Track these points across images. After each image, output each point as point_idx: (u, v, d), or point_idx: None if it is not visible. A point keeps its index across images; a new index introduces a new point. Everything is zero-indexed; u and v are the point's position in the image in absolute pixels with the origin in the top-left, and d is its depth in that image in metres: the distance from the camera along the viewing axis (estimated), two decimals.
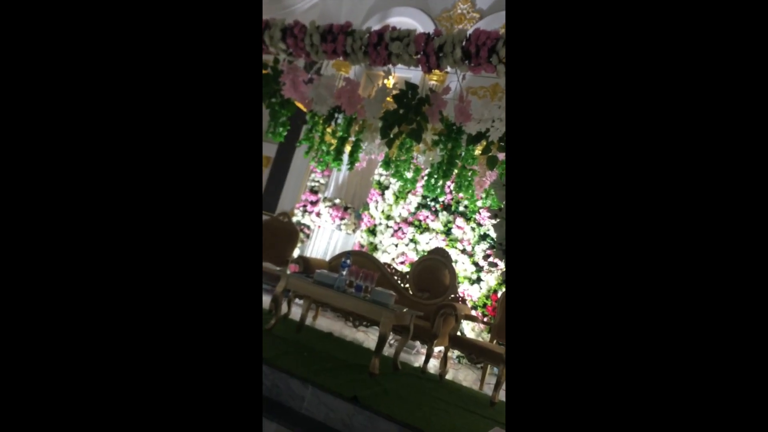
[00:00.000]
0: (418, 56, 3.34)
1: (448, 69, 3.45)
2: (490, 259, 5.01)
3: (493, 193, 3.69)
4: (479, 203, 5.08)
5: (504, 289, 4.81)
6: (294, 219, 5.94)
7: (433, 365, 4.22)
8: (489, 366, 4.00)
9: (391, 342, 4.44)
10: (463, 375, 4.41)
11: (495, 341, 4.03)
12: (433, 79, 4.10)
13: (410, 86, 3.46)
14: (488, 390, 3.88)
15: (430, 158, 3.74)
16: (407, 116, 3.41)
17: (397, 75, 5.60)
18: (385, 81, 5.32)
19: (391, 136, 3.48)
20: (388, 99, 3.65)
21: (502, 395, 3.52)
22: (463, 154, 3.58)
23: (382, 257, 5.46)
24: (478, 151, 3.53)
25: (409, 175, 3.83)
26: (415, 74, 5.39)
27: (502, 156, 3.51)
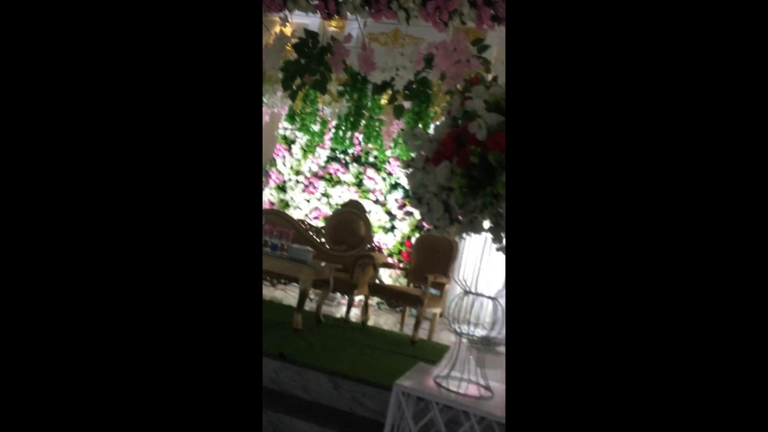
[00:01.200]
0: (316, 2, 3.19)
1: (348, 15, 3.34)
2: (406, 209, 5.14)
3: (401, 142, 3.73)
4: (388, 153, 5.14)
5: (417, 235, 4.99)
6: None
7: (355, 314, 4.34)
8: (408, 309, 4.19)
9: (312, 297, 4.47)
10: (383, 320, 4.59)
11: (411, 285, 4.21)
12: (332, 26, 3.96)
13: (310, 34, 3.32)
14: (408, 331, 4.09)
15: (336, 110, 3.67)
16: (309, 66, 3.29)
17: (295, 22, 5.33)
18: (283, 29, 5.05)
19: (294, 87, 3.35)
20: (287, 48, 3.48)
21: (421, 334, 3.73)
22: (369, 104, 3.55)
23: (295, 214, 5.38)
24: (384, 101, 3.52)
25: (315, 128, 3.74)
26: (312, 21, 5.16)
27: (408, 104, 3.53)
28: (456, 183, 1.35)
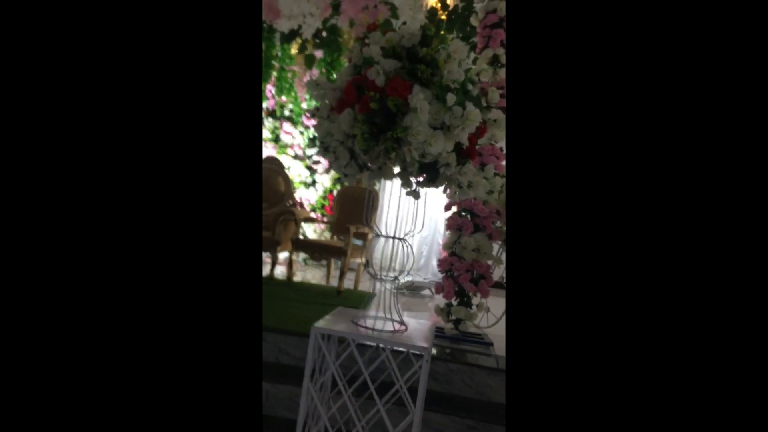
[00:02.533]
0: None
1: None
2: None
3: None
4: (304, 105, 5.02)
5: (339, 188, 5.01)
6: None
7: (280, 271, 4.34)
8: (333, 261, 4.26)
9: None
10: (311, 274, 4.64)
11: (335, 237, 4.26)
12: None
13: None
14: (334, 282, 4.17)
15: None
16: None
17: None
18: None
19: None
20: None
21: (346, 284, 3.83)
22: (279, 54, 3.43)
23: None
24: (294, 51, 3.41)
25: None
26: None
27: (319, 53, 3.45)
28: (358, 130, 1.37)
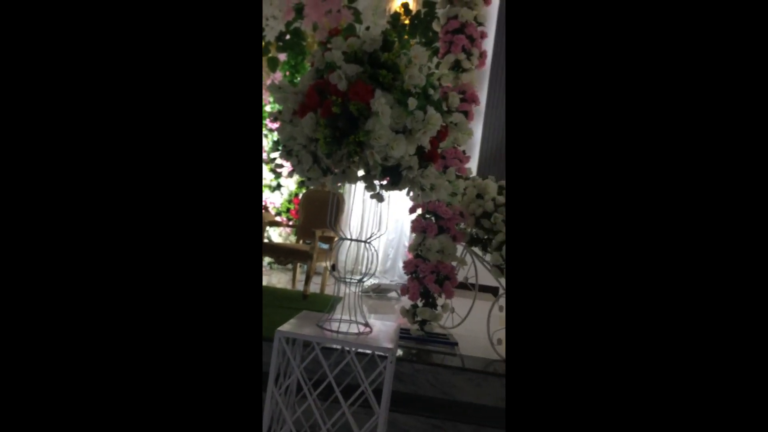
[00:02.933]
0: None
1: None
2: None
3: None
4: (267, 108, 4.97)
5: (304, 191, 4.98)
6: None
7: None
8: (299, 265, 4.23)
9: None
10: (276, 279, 4.59)
11: (301, 241, 4.24)
12: None
13: None
14: (300, 286, 4.14)
15: None
16: None
17: None
18: None
19: None
20: None
21: (312, 288, 3.81)
22: None
23: None
24: None
25: None
26: None
27: (283, 56, 3.43)
28: (320, 134, 1.38)
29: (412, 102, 1.40)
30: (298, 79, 3.38)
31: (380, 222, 1.70)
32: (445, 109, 2.69)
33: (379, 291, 4.57)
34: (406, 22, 3.96)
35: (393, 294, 4.65)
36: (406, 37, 4.05)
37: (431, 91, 1.50)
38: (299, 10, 3.05)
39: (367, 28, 3.04)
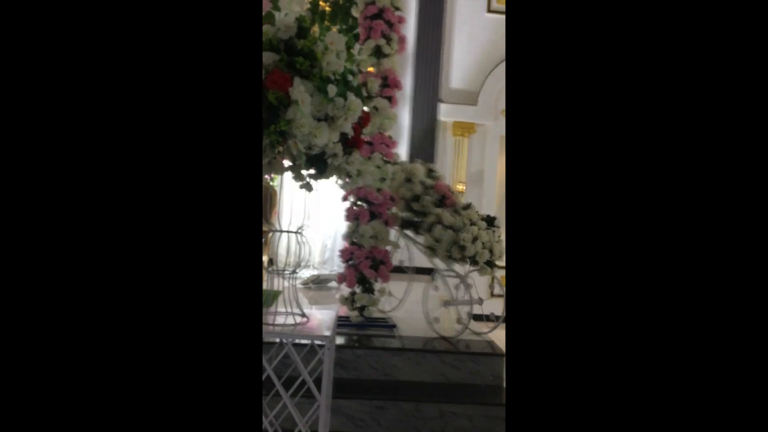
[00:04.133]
0: None
1: None
2: None
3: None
4: None
5: None
6: None
7: None
8: None
9: None
10: None
11: None
12: None
13: None
14: None
15: None
16: None
17: None
18: None
19: None
20: None
21: None
22: None
23: None
24: None
25: None
26: None
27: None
28: None
29: (332, 89, 1.40)
30: None
31: (306, 211, 1.70)
32: (365, 94, 2.71)
33: (319, 282, 4.55)
34: (327, 9, 3.92)
35: (333, 284, 4.65)
36: (327, 23, 4.00)
37: (350, 78, 1.51)
38: None
39: (286, 15, 2.98)
